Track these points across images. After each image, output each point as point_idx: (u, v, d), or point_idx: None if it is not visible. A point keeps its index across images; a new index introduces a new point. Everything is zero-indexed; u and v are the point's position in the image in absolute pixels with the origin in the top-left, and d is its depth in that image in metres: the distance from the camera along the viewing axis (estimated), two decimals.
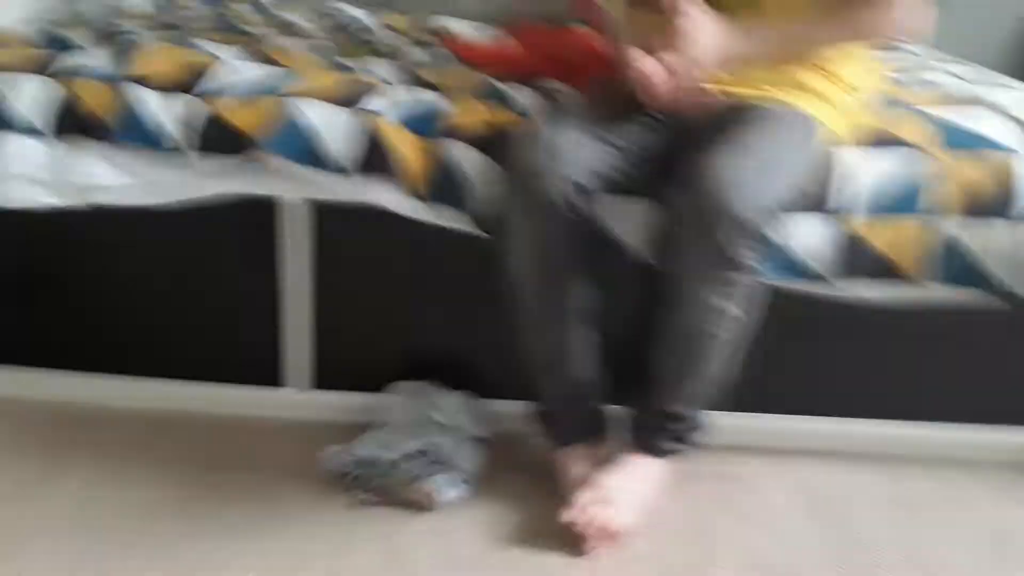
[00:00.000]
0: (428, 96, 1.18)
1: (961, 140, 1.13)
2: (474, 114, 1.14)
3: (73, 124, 1.13)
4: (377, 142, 1.10)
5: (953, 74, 1.44)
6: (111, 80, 1.15)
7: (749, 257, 0.96)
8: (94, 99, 1.13)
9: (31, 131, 1.13)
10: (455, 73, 1.28)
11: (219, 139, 1.12)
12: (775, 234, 1.05)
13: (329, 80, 1.18)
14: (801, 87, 1.09)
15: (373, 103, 1.13)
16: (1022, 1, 2.16)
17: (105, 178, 1.13)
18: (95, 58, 1.19)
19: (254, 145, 1.11)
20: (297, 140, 1.10)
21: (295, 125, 1.11)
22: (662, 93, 1.00)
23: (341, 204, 1.14)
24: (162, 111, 1.13)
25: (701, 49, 0.99)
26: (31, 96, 1.13)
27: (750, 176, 0.96)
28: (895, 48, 1.58)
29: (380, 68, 1.26)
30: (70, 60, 1.18)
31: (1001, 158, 1.11)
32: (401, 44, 1.44)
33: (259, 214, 1.17)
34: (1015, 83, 1.40)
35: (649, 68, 0.99)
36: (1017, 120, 1.16)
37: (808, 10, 1.06)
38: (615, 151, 1.06)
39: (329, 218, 1.17)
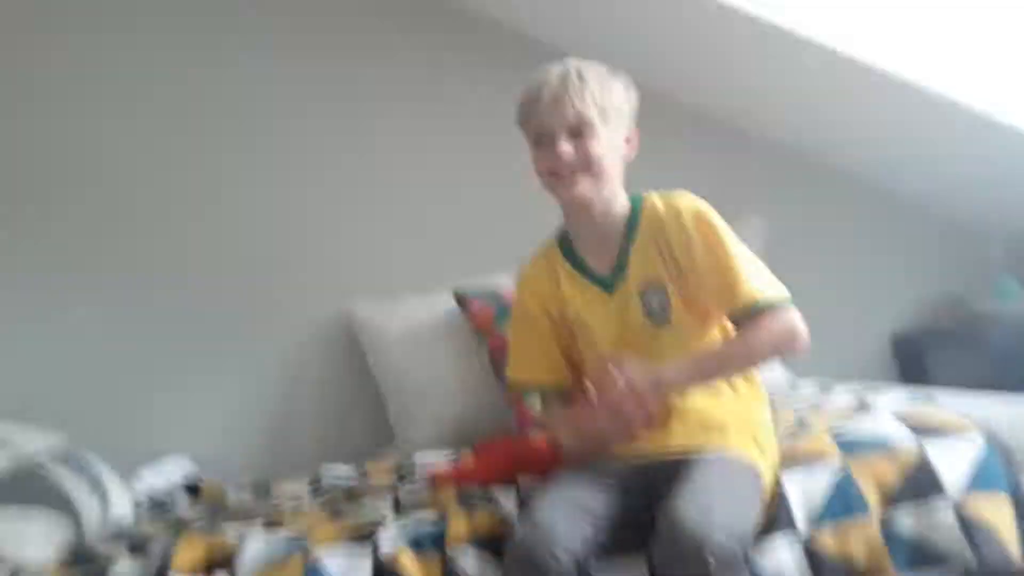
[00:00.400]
0: (426, 516, 1.36)
1: (864, 445, 1.34)
2: (468, 523, 1.31)
3: None
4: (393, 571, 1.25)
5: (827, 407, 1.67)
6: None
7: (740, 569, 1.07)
8: None
9: None
10: (440, 497, 1.47)
11: None
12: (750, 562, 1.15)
13: (338, 529, 1.35)
14: (732, 432, 1.31)
15: (382, 536, 1.31)
16: (895, 318, 2.55)
17: None
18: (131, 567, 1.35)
19: None
20: None
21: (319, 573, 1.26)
22: (635, 419, 1.23)
23: None
24: None
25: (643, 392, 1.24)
26: None
27: (718, 511, 1.10)
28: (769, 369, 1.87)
29: (379, 504, 1.44)
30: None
31: (904, 451, 1.32)
32: (388, 483, 1.65)
33: None
34: (884, 387, 1.67)
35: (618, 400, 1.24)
36: (904, 418, 1.40)
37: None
38: (597, 519, 1.21)
39: None
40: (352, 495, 1.61)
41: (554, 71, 1.32)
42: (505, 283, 2.13)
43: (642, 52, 2.38)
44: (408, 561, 1.27)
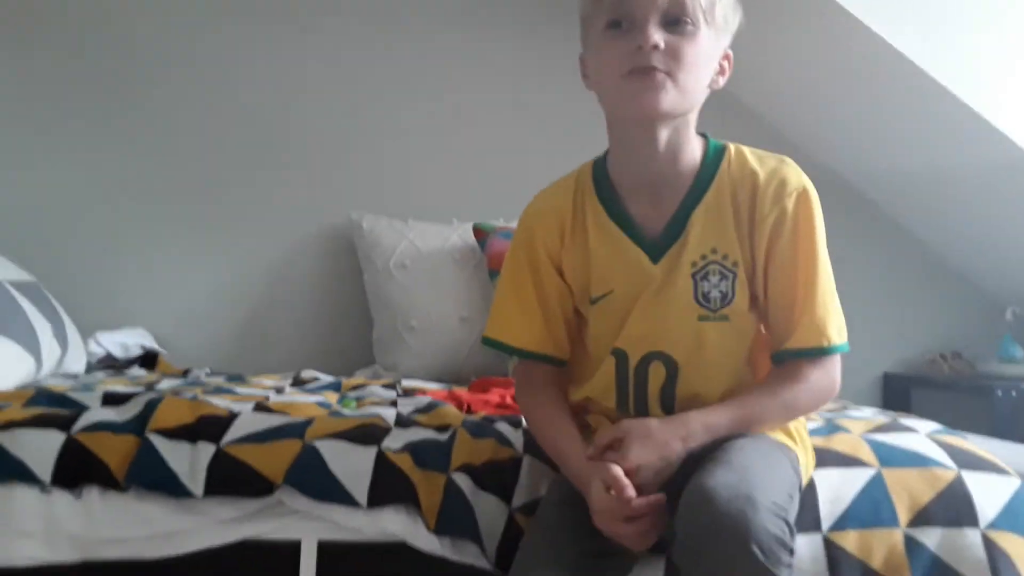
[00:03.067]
0: (432, 435, 1.26)
1: (900, 458, 1.30)
2: (475, 450, 1.22)
3: (82, 474, 1.13)
4: (393, 477, 1.16)
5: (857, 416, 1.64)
6: (127, 431, 1.18)
7: (785, 558, 0.88)
8: (106, 451, 1.15)
9: (34, 481, 1.11)
10: (445, 414, 1.38)
11: (238, 483, 1.14)
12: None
13: (342, 424, 1.25)
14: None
15: (386, 442, 1.21)
16: (888, 358, 2.54)
17: (120, 530, 1.10)
18: (108, 414, 1.23)
19: (273, 486, 1.14)
20: (318, 479, 1.15)
21: (314, 463, 1.16)
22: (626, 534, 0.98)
23: (355, 544, 1.15)
24: (178, 458, 1.15)
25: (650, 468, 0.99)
26: (36, 447, 1.14)
27: (759, 486, 0.92)
28: None
29: (383, 413, 1.34)
30: (82, 417, 1.21)
31: (940, 473, 1.28)
32: (387, 396, 1.55)
33: (274, 559, 1.15)
34: (913, 419, 1.63)
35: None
36: (940, 443, 1.36)
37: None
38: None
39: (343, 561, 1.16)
40: (346, 401, 1.49)
41: None
42: None
43: None
44: (411, 471, 1.18)
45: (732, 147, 1.11)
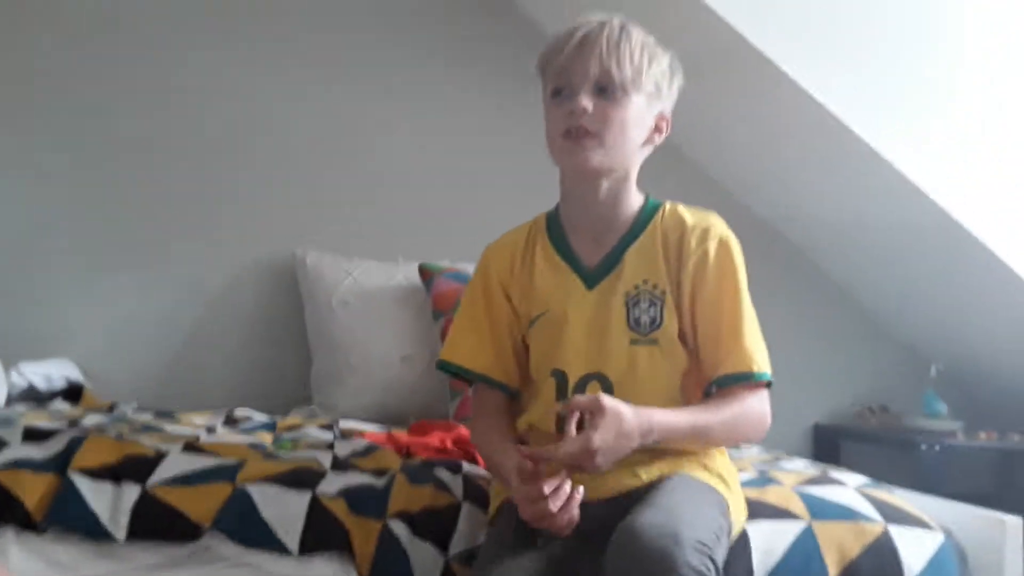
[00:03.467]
0: (369, 480, 1.24)
1: (830, 511, 1.33)
2: (412, 496, 1.21)
3: None
4: (327, 524, 1.13)
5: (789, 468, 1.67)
6: (47, 470, 1.13)
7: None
8: (25, 489, 1.10)
9: None
10: (384, 458, 1.36)
11: (163, 527, 1.10)
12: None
13: (276, 467, 1.22)
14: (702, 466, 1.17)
15: (321, 486, 1.18)
16: (818, 409, 2.59)
17: (36, 574, 1.05)
18: (28, 451, 1.17)
19: (200, 531, 1.10)
20: (248, 524, 1.11)
21: (245, 508, 1.12)
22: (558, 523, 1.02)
23: None
24: (101, 500, 1.11)
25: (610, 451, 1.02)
26: None
27: (686, 523, 0.97)
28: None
29: (320, 456, 1.31)
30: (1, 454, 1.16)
31: (868, 527, 1.30)
32: (324, 438, 1.52)
33: None
34: (842, 472, 1.67)
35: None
36: (869, 497, 1.39)
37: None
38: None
39: None
40: (281, 443, 1.46)
41: (595, 18, 1.15)
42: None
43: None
44: (346, 516, 1.15)
45: (668, 203, 1.23)
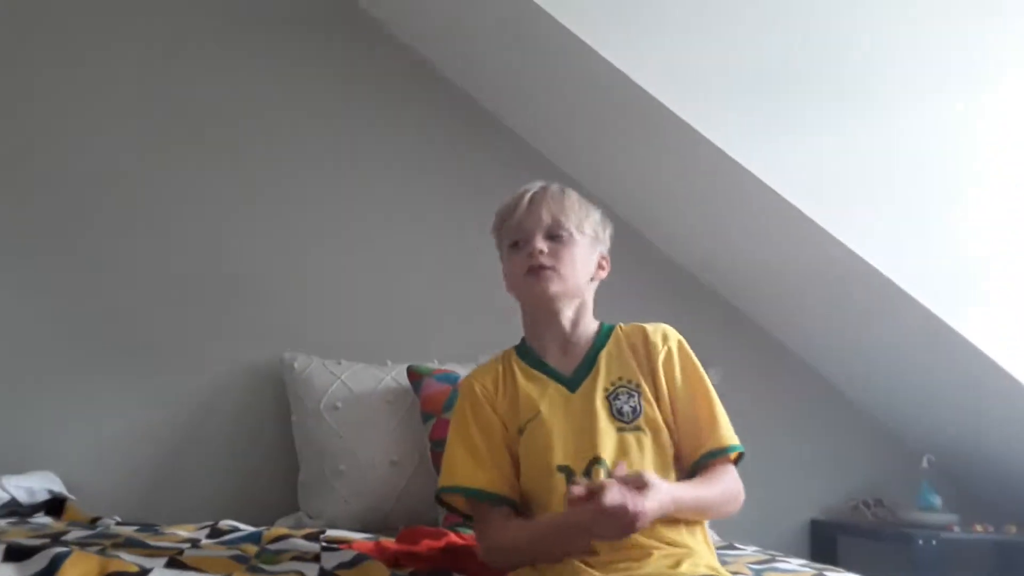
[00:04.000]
0: None
1: None
2: None
3: None
4: None
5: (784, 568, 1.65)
6: None
7: None
8: None
9: None
10: (372, 570, 1.33)
11: None
12: None
13: None
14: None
15: None
16: (814, 505, 2.58)
17: None
18: (10, 572, 1.15)
19: None
20: None
21: None
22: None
23: None
24: None
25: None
26: None
27: None
28: None
29: (306, 569, 1.29)
30: None
31: None
32: (309, 549, 1.49)
33: None
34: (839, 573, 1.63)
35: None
36: None
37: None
38: None
39: None
40: (265, 555, 1.43)
41: (536, 183, 1.39)
42: (464, 373, 2.06)
43: (631, 188, 2.48)
44: None
45: (619, 325, 1.41)
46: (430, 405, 2.00)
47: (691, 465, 1.30)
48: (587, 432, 1.27)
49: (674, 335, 1.37)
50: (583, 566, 1.16)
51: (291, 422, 2.19)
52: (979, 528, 2.37)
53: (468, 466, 1.31)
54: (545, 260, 1.31)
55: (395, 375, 2.16)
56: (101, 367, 2.21)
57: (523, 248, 1.33)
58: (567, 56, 2.06)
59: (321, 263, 2.39)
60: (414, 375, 2.08)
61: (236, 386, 2.29)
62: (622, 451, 1.26)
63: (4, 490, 1.86)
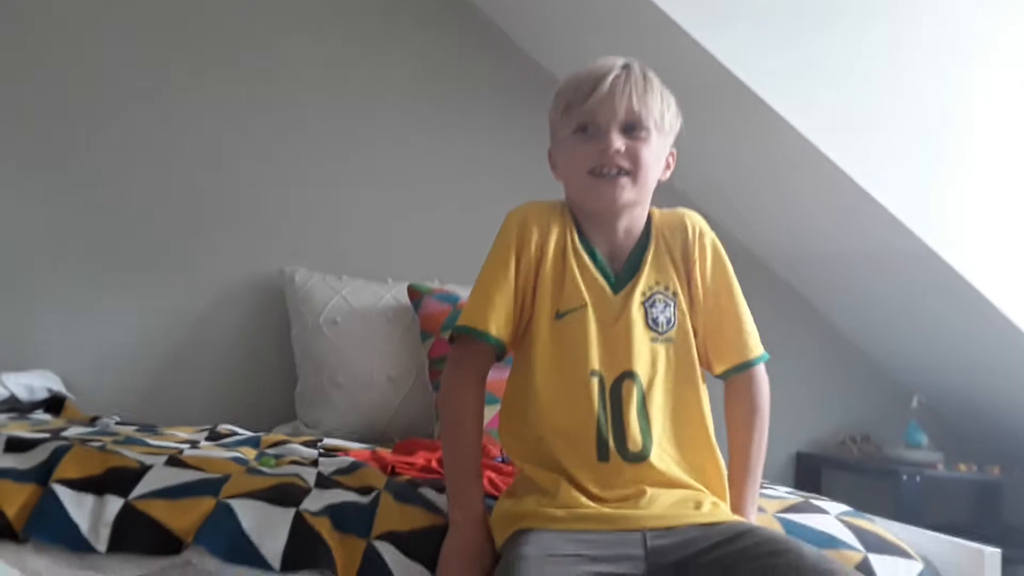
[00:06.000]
0: (354, 497, 1.24)
1: (810, 538, 1.33)
2: (398, 516, 1.20)
3: None
4: (311, 541, 1.13)
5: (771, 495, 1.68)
6: (29, 480, 1.12)
7: None
8: (6, 500, 1.09)
9: None
10: (368, 476, 1.35)
11: (145, 540, 1.09)
12: None
13: (260, 482, 1.21)
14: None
15: (305, 503, 1.18)
16: (801, 438, 2.62)
17: None
18: (10, 461, 1.17)
19: (182, 545, 1.09)
20: (230, 539, 1.11)
21: (228, 523, 1.12)
22: None
23: None
24: (82, 511, 1.10)
25: None
26: None
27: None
28: None
29: (304, 473, 1.31)
30: None
31: (848, 555, 1.31)
32: (308, 455, 1.51)
33: None
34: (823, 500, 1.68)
35: None
36: (849, 525, 1.40)
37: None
38: None
39: None
40: (264, 459, 1.45)
41: (617, 62, 1.21)
42: (464, 294, 2.06)
43: None
44: (330, 536, 1.15)
45: (653, 211, 1.30)
46: (429, 324, 2.00)
47: (721, 374, 1.27)
48: (622, 340, 1.19)
49: (709, 233, 1.27)
50: (586, 500, 1.12)
51: (290, 335, 2.19)
52: (963, 467, 2.41)
53: (497, 312, 1.19)
54: (621, 161, 1.17)
55: (395, 293, 2.16)
56: (104, 275, 2.20)
57: (593, 140, 1.18)
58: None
59: (324, 179, 2.36)
60: (414, 293, 2.08)
61: (236, 298, 2.29)
62: (653, 364, 1.19)
63: (4, 386, 1.87)
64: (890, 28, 2.08)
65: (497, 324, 1.20)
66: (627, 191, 1.19)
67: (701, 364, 1.25)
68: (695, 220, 1.28)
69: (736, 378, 1.26)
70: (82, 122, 2.22)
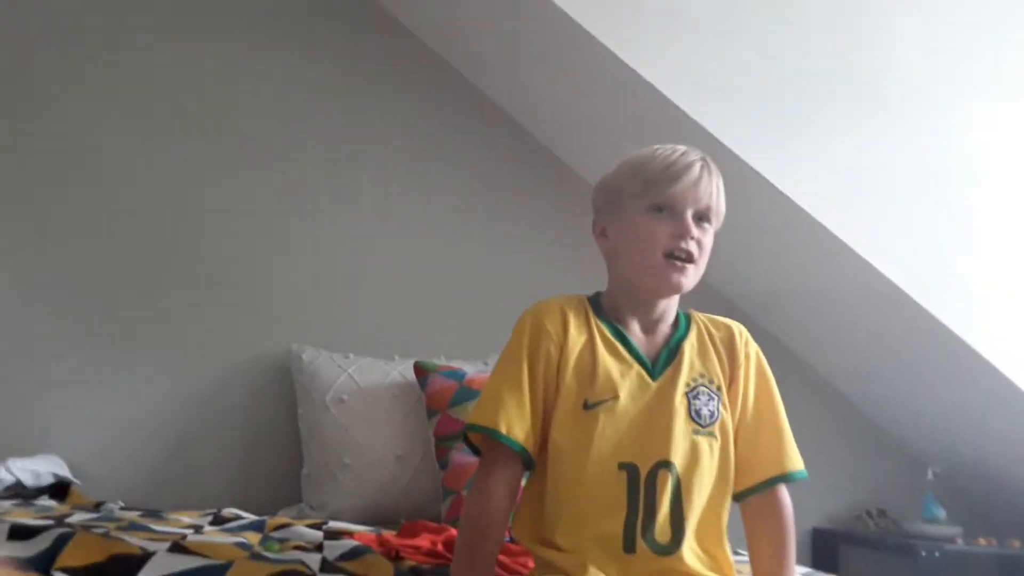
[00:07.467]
0: None
1: None
2: None
3: None
4: None
5: None
6: (31, 568, 1.10)
7: None
8: None
9: None
10: (373, 562, 1.33)
11: None
12: None
13: (263, 569, 1.19)
14: None
15: None
16: (816, 513, 2.58)
17: None
18: (14, 549, 1.16)
19: None
20: None
21: None
22: None
23: None
24: None
25: None
26: None
27: None
28: None
29: (308, 559, 1.29)
30: None
31: None
32: (313, 538, 1.49)
33: None
34: None
35: None
36: None
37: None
38: None
39: None
40: (269, 543, 1.43)
41: (691, 152, 1.22)
42: (471, 371, 2.06)
43: None
44: None
45: (695, 313, 1.29)
46: (435, 401, 2.00)
47: (751, 484, 1.19)
48: (661, 430, 1.14)
49: (753, 343, 1.26)
50: None
51: (297, 414, 2.19)
52: (983, 541, 2.36)
53: (509, 411, 1.15)
54: (693, 249, 1.17)
55: (402, 370, 2.16)
56: (109, 355, 2.21)
57: (669, 222, 1.17)
58: (583, 56, 2.06)
59: (331, 257, 2.39)
60: (420, 371, 2.08)
61: (243, 377, 2.30)
62: (694, 457, 1.14)
63: (9, 472, 1.87)
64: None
65: (511, 426, 1.14)
66: (691, 277, 1.19)
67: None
68: (742, 328, 1.27)
69: (765, 496, 1.19)
70: (85, 199, 2.25)
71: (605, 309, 1.24)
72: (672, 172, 1.19)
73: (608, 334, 1.21)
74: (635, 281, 1.22)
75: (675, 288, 1.19)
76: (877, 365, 2.47)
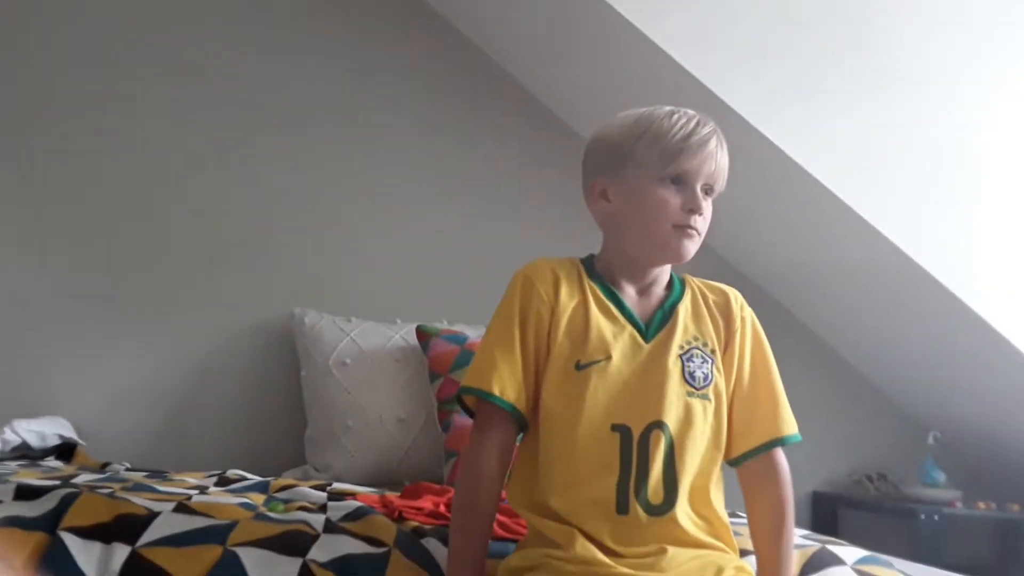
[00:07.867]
0: (362, 548, 1.22)
1: None
2: (408, 564, 1.19)
3: None
4: None
5: None
6: (38, 528, 1.12)
7: None
8: (14, 548, 1.09)
9: None
10: (376, 522, 1.34)
11: None
12: None
13: (267, 529, 1.21)
14: None
15: (312, 552, 1.17)
16: (816, 476, 2.59)
17: None
18: (20, 509, 1.17)
19: None
20: None
21: (235, 573, 1.11)
22: None
23: None
24: (89, 560, 1.09)
25: None
26: None
27: None
28: None
29: (311, 519, 1.30)
30: None
31: None
32: (317, 499, 1.51)
33: None
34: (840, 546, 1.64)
35: None
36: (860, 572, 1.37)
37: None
38: None
39: None
40: (273, 504, 1.44)
41: (704, 121, 1.19)
42: (472, 335, 2.07)
43: None
44: None
45: (689, 278, 1.28)
46: (438, 365, 2.00)
47: (748, 448, 1.19)
48: (654, 391, 1.13)
49: (748, 308, 1.25)
50: (602, 556, 1.07)
51: (300, 377, 2.20)
52: (982, 505, 2.37)
53: (502, 373, 1.14)
54: (699, 224, 1.17)
55: (404, 334, 2.16)
56: (114, 319, 2.22)
57: (683, 195, 1.16)
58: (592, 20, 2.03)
59: (333, 220, 2.39)
60: (422, 335, 2.08)
61: (247, 340, 2.31)
62: (687, 418, 1.13)
63: (15, 433, 1.88)
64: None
65: (504, 388, 1.14)
66: (695, 247, 1.19)
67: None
68: (738, 293, 1.26)
69: (762, 460, 1.19)
70: (90, 167, 2.25)
71: (599, 271, 1.23)
72: (691, 145, 1.16)
73: (601, 295, 1.20)
74: (637, 248, 1.20)
75: (682, 257, 1.18)
76: (881, 331, 2.47)
